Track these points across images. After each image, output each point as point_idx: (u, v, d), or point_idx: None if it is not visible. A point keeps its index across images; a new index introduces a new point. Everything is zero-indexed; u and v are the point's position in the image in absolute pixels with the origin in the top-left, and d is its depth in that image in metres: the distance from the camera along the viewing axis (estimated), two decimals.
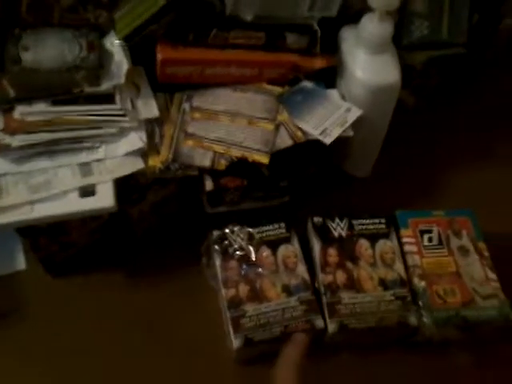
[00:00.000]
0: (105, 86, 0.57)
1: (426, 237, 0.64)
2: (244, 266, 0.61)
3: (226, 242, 0.62)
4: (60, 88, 0.56)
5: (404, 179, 0.73)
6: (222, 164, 0.59)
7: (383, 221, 0.65)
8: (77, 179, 0.56)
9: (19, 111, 0.55)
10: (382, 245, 0.63)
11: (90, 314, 0.62)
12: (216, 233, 0.63)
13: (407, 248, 0.63)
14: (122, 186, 0.57)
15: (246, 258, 0.62)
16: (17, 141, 0.55)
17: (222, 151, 0.59)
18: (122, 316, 0.62)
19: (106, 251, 0.65)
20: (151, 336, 0.61)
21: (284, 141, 0.61)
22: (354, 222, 0.64)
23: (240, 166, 0.60)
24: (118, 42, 0.59)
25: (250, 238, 0.63)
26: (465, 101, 0.80)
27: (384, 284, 0.61)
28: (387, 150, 0.70)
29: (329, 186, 0.71)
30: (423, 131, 0.77)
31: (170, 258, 0.65)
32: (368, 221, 0.65)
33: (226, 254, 0.62)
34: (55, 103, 0.56)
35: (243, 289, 0.60)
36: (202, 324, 0.62)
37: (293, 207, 0.66)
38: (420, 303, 0.60)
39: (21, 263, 0.64)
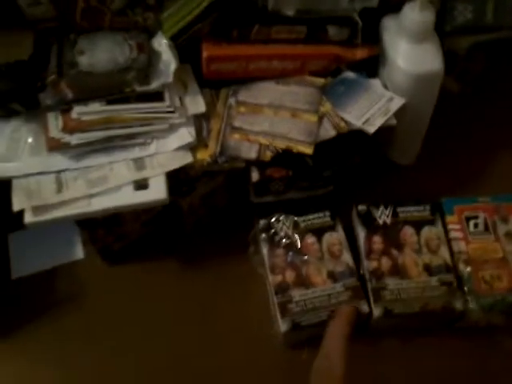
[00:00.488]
0: (154, 85, 0.60)
1: (471, 223, 0.64)
2: (290, 254, 0.63)
3: (273, 231, 0.64)
4: (113, 88, 0.59)
5: (449, 165, 0.73)
6: (268, 155, 0.61)
7: (428, 208, 0.65)
8: (131, 173, 0.59)
9: (76, 111, 0.59)
10: (428, 231, 0.64)
11: (143, 299, 0.66)
12: (263, 222, 0.65)
13: (453, 234, 0.64)
14: (173, 179, 0.60)
15: (291, 246, 0.63)
16: (75, 139, 0.58)
17: (267, 143, 0.61)
18: (174, 300, 0.65)
19: (158, 241, 0.68)
20: (203, 323, 0.64)
21: (327, 131, 0.62)
22: (399, 209, 0.65)
23: (285, 157, 0.61)
24: (165, 41, 0.61)
25: (296, 227, 0.64)
26: None
27: (429, 270, 0.61)
28: (432, 137, 0.70)
29: (373, 173, 0.71)
30: (469, 117, 0.76)
31: (219, 246, 0.67)
32: (413, 208, 0.65)
33: (272, 242, 0.64)
34: (109, 103, 0.59)
35: (290, 275, 0.62)
36: (250, 309, 0.64)
37: (337, 196, 0.67)
38: (465, 288, 0.61)
39: (79, 253, 0.68)
